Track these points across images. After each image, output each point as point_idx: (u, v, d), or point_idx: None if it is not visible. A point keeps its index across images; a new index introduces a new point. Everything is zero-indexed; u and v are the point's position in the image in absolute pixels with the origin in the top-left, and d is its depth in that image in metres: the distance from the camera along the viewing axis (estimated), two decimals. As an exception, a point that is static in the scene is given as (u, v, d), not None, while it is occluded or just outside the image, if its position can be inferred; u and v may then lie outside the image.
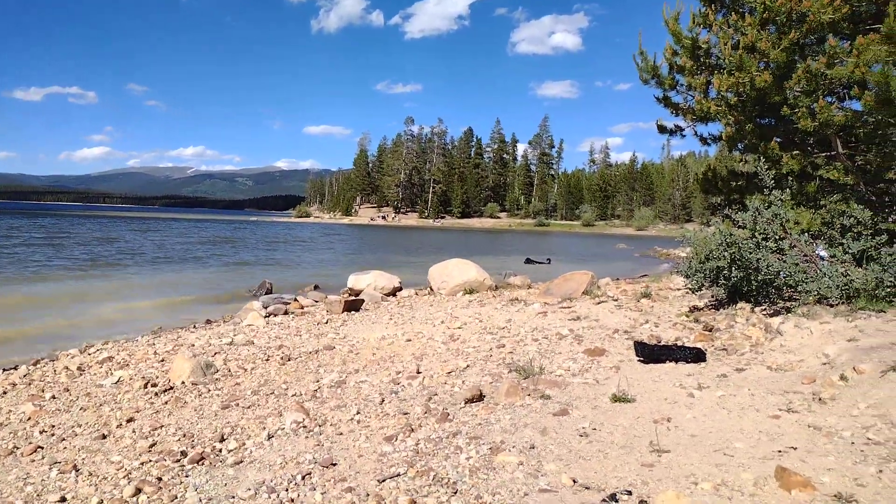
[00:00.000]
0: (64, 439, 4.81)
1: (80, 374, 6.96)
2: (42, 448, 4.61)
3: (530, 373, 6.04)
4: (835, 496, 3.11)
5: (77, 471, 4.10)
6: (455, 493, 3.52)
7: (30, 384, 6.58)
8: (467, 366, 6.74)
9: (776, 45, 7.76)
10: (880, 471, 3.35)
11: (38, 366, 7.47)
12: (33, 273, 17.94)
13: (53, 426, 5.12)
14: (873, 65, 7.00)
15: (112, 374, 6.84)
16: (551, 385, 5.69)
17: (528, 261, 26.55)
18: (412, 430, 4.69)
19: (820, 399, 4.68)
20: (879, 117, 7.29)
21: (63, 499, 3.70)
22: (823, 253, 7.77)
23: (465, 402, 5.30)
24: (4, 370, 7.38)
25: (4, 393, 6.26)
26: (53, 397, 6.01)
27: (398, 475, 3.81)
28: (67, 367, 7.19)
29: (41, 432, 4.97)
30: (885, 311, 6.46)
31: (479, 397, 5.41)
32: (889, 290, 6.80)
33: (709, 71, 9.31)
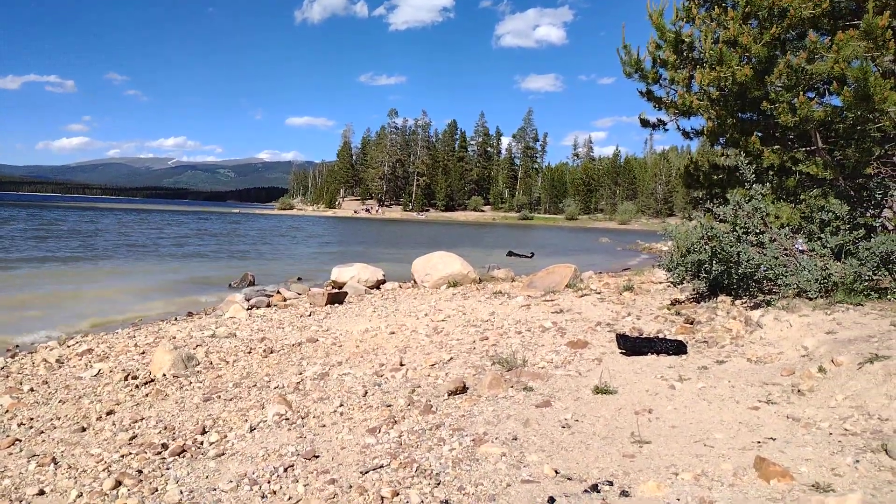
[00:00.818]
0: (42, 432, 4.75)
1: (59, 367, 6.88)
2: (20, 441, 4.55)
3: (513, 365, 6.06)
4: (812, 486, 3.15)
5: (56, 463, 4.06)
6: (438, 484, 3.53)
7: (7, 377, 6.49)
8: (451, 358, 6.75)
9: (757, 40, 7.81)
10: (857, 461, 3.40)
11: (16, 358, 7.36)
12: (6, 263, 17.68)
13: (32, 419, 5.06)
14: (852, 60, 7.07)
15: (92, 366, 6.77)
16: (534, 377, 5.71)
17: (511, 253, 26.59)
18: (395, 422, 4.70)
19: (799, 391, 4.75)
20: (858, 113, 7.37)
21: (41, 492, 3.66)
22: (803, 247, 7.87)
23: (449, 394, 5.31)
24: (-19, 363, 7.27)
25: (-19, 386, 6.17)
26: (32, 390, 5.93)
27: (381, 467, 3.81)
28: (46, 360, 7.10)
29: (19, 425, 4.91)
30: (862, 305, 6.55)
31: (463, 389, 5.42)
32: (866, 283, 6.91)
33: (691, 65, 9.35)
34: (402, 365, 6.51)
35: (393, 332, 8.21)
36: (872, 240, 7.08)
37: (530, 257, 25.91)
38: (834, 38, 7.16)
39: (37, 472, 3.95)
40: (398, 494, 3.42)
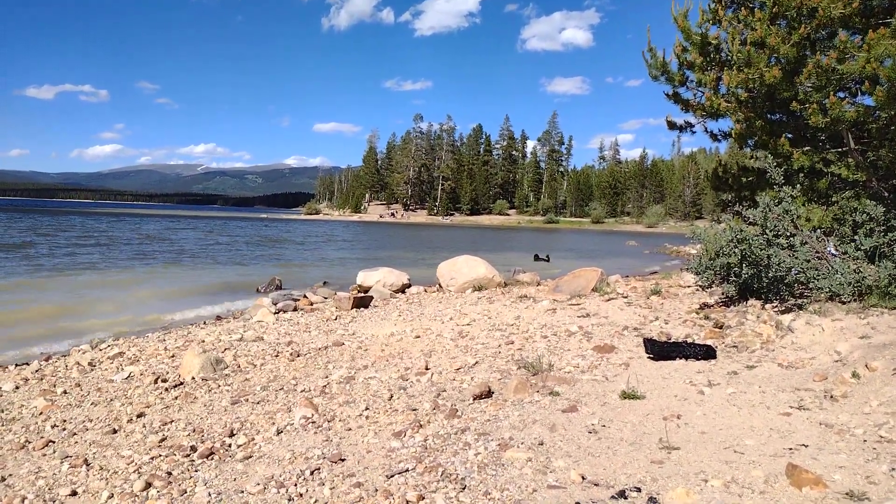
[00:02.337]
0: (75, 434, 4.84)
1: (91, 370, 7.01)
2: (53, 442, 4.65)
3: (539, 369, 6.03)
4: (846, 494, 3.08)
5: (88, 465, 4.13)
6: (463, 488, 3.52)
7: (41, 379, 6.63)
8: (476, 362, 6.74)
9: (786, 41, 7.69)
10: (893, 468, 3.32)
11: (50, 361, 7.53)
12: (39, 268, 18.08)
13: (65, 421, 5.16)
14: (885, 59, 6.92)
15: (123, 369, 6.89)
16: (560, 382, 5.68)
17: (537, 258, 26.51)
18: (421, 425, 4.70)
19: (832, 396, 4.65)
20: (891, 112, 7.21)
21: (74, 492, 3.73)
22: (835, 250, 7.71)
23: (474, 399, 5.30)
24: (17, 366, 7.45)
25: (17, 388, 6.31)
26: (65, 392, 6.05)
27: (406, 471, 3.81)
28: (79, 363, 7.24)
29: (53, 427, 5.01)
30: (897, 309, 6.41)
31: (488, 394, 5.40)
32: (902, 287, 6.75)
33: (718, 67, 9.24)
34: (427, 369, 6.52)
35: (418, 336, 8.22)
36: (908, 242, 6.92)
37: (547, 261, 25.76)
38: (865, 36, 7.02)
39: (69, 473, 4.02)
40: (423, 499, 3.42)
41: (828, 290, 7.09)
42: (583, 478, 3.55)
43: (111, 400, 5.76)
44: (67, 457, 4.30)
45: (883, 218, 7.51)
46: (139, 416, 5.23)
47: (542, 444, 4.13)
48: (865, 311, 6.45)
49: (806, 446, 3.79)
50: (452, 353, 7.29)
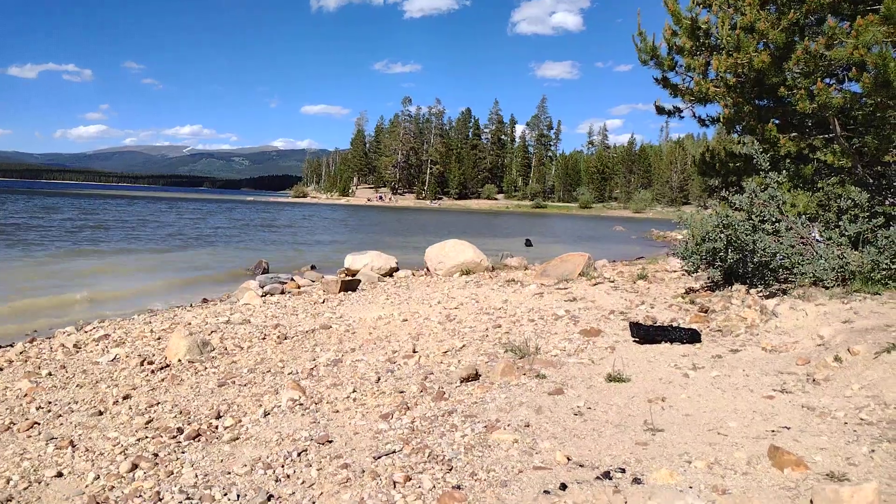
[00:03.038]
0: (60, 415, 4.82)
1: (77, 352, 6.96)
2: (39, 424, 4.62)
3: (526, 353, 6.06)
4: (827, 475, 3.14)
5: (74, 447, 4.11)
6: (450, 469, 3.54)
7: (26, 361, 6.57)
8: (463, 345, 6.76)
9: (775, 26, 7.70)
10: (872, 450, 3.38)
11: (35, 343, 7.46)
12: (25, 250, 17.90)
13: (50, 402, 5.13)
14: (872, 46, 6.95)
15: (108, 351, 6.84)
16: (547, 365, 5.71)
17: (529, 243, 26.54)
18: (408, 408, 4.72)
19: (814, 380, 4.72)
20: (878, 99, 7.25)
21: (60, 474, 3.71)
22: (819, 236, 7.78)
23: (461, 381, 5.32)
24: (1, 347, 7.38)
25: (1, 370, 6.26)
26: (50, 374, 6.01)
27: (394, 452, 3.84)
28: (64, 345, 7.19)
29: (38, 408, 4.97)
30: (880, 294, 6.48)
31: (475, 376, 5.43)
32: (885, 272, 6.82)
33: (708, 52, 9.24)
34: (414, 352, 6.53)
35: (406, 320, 8.23)
36: (891, 228, 6.99)
37: (530, 246, 25.77)
38: (854, 23, 7.04)
39: (55, 454, 4.00)
40: (410, 479, 3.44)
41: (812, 275, 7.16)
42: (568, 459, 3.58)
43: (97, 382, 5.73)
44: (53, 438, 4.28)
45: (867, 204, 7.58)
46: (125, 398, 5.20)
47: (528, 426, 4.16)
48: (848, 297, 6.53)
49: (788, 428, 3.85)
50: (440, 336, 7.31)
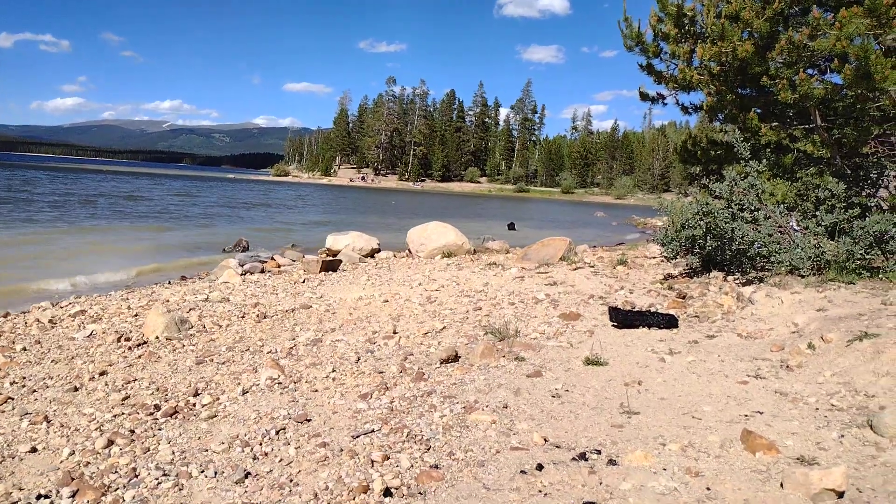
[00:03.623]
0: (35, 391, 4.76)
1: (52, 327, 6.87)
2: (12, 399, 4.56)
3: (506, 335, 6.09)
4: (798, 459, 3.21)
5: (48, 422, 4.07)
6: (428, 449, 3.57)
7: (0, 335, 6.48)
8: (444, 327, 6.78)
9: (760, 15, 7.72)
10: (842, 435, 3.45)
11: (9, 318, 7.35)
12: (5, 223, 17.59)
13: (24, 378, 5.07)
14: (855, 38, 7.00)
15: (85, 327, 6.77)
16: (526, 347, 5.75)
17: (512, 226, 26.51)
18: (387, 388, 4.73)
19: (787, 366, 4.80)
20: (858, 91, 7.32)
21: (34, 449, 3.68)
22: (797, 225, 7.88)
23: (441, 363, 5.35)
24: (-26, 322, 7.26)
25: (-26, 344, 6.17)
26: (24, 349, 5.93)
27: (372, 431, 3.85)
28: (39, 320, 7.09)
29: (11, 383, 4.91)
30: (854, 283, 6.60)
31: (455, 358, 5.45)
32: (859, 262, 6.94)
33: (693, 39, 9.24)
34: (395, 333, 6.54)
35: (387, 301, 8.22)
36: (867, 219, 7.10)
37: (514, 229, 25.78)
38: (837, 14, 7.08)
39: (29, 429, 3.96)
40: (388, 458, 3.46)
41: (788, 263, 7.26)
42: (545, 440, 3.62)
43: (72, 358, 5.67)
44: (27, 413, 4.24)
45: (844, 195, 7.68)
46: (101, 374, 5.16)
47: (506, 408, 4.20)
48: (823, 285, 6.63)
49: (761, 413, 3.92)
50: (420, 317, 7.33)
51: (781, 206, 8.14)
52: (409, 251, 14.09)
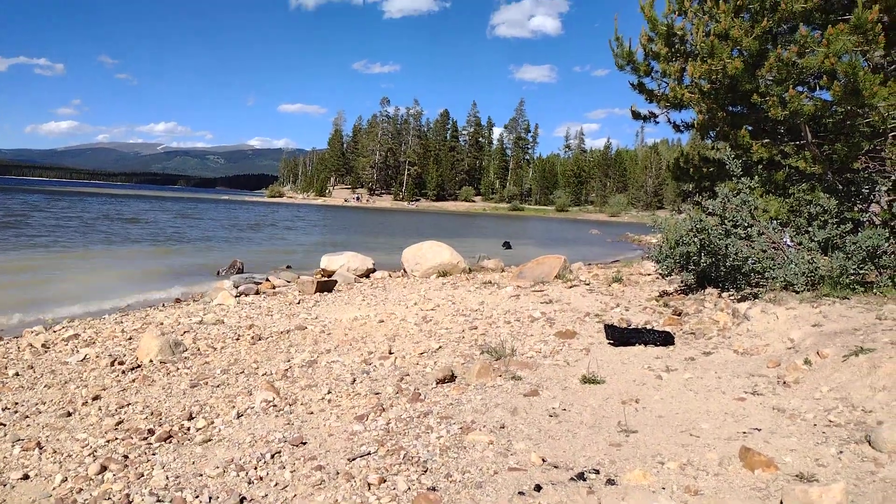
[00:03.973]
0: (27, 416, 4.71)
1: (45, 352, 6.82)
2: (4, 425, 4.51)
3: (502, 354, 6.07)
4: (797, 476, 3.19)
5: (41, 448, 4.03)
6: (425, 471, 3.54)
7: (-8, 361, 6.43)
8: (439, 347, 6.76)
9: (749, 33, 7.82)
10: (840, 451, 3.44)
11: (1, 343, 7.29)
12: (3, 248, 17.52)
13: (17, 403, 5.02)
14: (843, 55, 7.09)
15: (78, 351, 6.72)
16: (522, 366, 5.73)
17: (507, 245, 26.53)
18: (383, 409, 4.70)
19: (784, 382, 4.79)
20: (847, 107, 7.40)
21: (26, 476, 3.63)
22: (790, 241, 7.92)
23: (437, 383, 5.32)
24: (-34, 347, 7.20)
25: (-35, 370, 6.11)
26: (17, 374, 5.88)
27: (368, 454, 3.82)
28: (32, 344, 7.04)
29: (3, 409, 4.86)
30: (848, 298, 6.61)
31: (451, 378, 5.43)
32: (853, 277, 6.97)
33: (683, 58, 9.35)
34: (390, 353, 6.51)
35: (382, 321, 8.20)
36: (859, 234, 7.14)
37: (509, 248, 25.83)
38: (825, 32, 7.18)
39: (21, 456, 3.92)
40: (385, 481, 3.43)
41: (783, 279, 7.28)
42: (543, 460, 3.60)
43: (66, 382, 5.62)
44: (19, 440, 4.19)
45: (836, 210, 7.73)
46: (95, 398, 5.11)
47: (503, 428, 4.17)
48: (818, 301, 6.64)
49: (759, 430, 3.90)
50: (416, 337, 7.30)
51: (774, 222, 8.18)
52: (405, 271, 14.07)
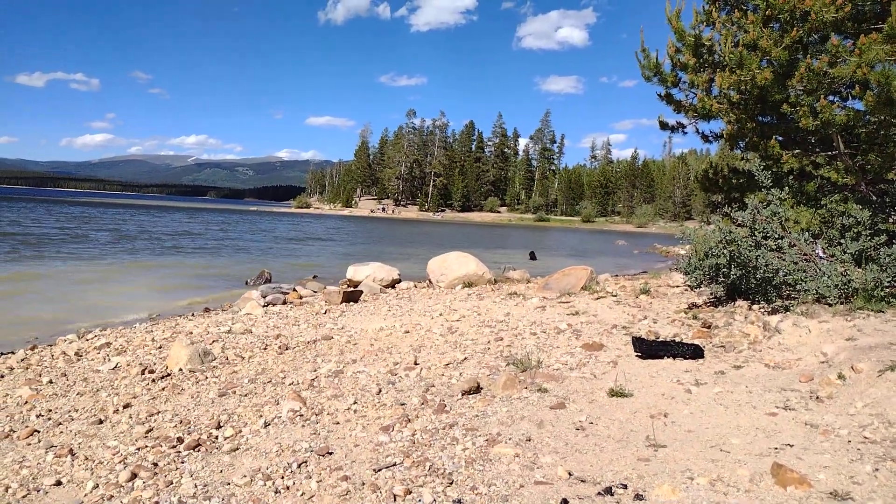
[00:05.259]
0: (60, 423, 4.81)
1: (78, 360, 6.96)
2: (38, 432, 4.61)
3: (528, 366, 6.04)
4: (830, 493, 3.11)
5: (73, 455, 4.10)
6: (451, 483, 3.52)
7: (27, 368, 6.58)
8: (465, 358, 6.74)
9: (778, 44, 7.73)
10: (876, 469, 3.35)
11: (36, 350, 7.46)
12: (28, 257, 17.93)
13: (50, 410, 5.12)
14: (875, 64, 6.97)
15: (109, 359, 6.84)
16: (549, 378, 5.69)
17: (533, 256, 26.41)
18: (409, 420, 4.70)
19: (817, 397, 4.69)
20: (881, 117, 7.27)
21: (59, 482, 3.70)
22: (822, 253, 7.77)
23: (463, 394, 5.30)
24: (2, 354, 7.38)
25: (2, 377, 6.26)
26: (51, 382, 6.01)
27: (394, 465, 3.82)
28: (65, 353, 7.19)
29: (38, 416, 4.97)
30: (883, 311, 6.46)
31: (477, 389, 5.41)
32: (887, 290, 6.81)
33: (711, 68, 9.27)
34: (416, 364, 6.52)
35: (407, 332, 8.21)
36: (894, 246, 6.99)
37: (533, 259, 25.71)
38: (857, 41, 7.07)
39: (54, 462, 3.99)
40: (410, 493, 3.42)
41: (815, 292, 7.14)
42: (570, 474, 3.56)
43: (97, 390, 5.73)
44: (52, 447, 4.27)
45: (869, 222, 7.57)
46: (125, 406, 5.20)
47: (529, 440, 4.14)
48: (852, 314, 6.50)
49: (791, 446, 3.82)
50: (441, 348, 7.30)
51: (806, 233, 8.04)
52: (430, 281, 14.09)
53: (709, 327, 7.64)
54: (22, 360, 6.93)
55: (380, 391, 5.52)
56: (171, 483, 3.67)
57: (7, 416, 5.02)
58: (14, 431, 4.63)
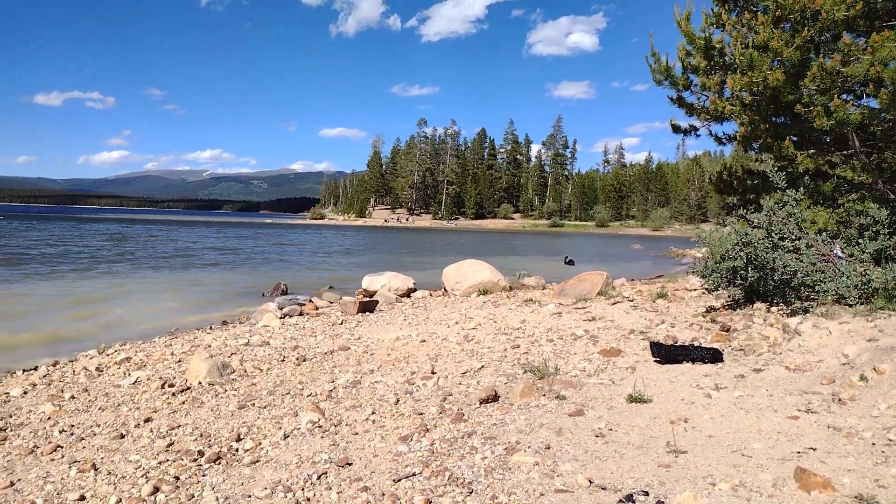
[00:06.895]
0: (83, 439, 4.86)
1: (99, 375, 7.03)
2: (61, 447, 4.67)
3: (545, 373, 6.02)
4: (855, 497, 3.08)
5: (96, 470, 4.15)
6: (471, 493, 3.52)
7: (49, 384, 6.66)
8: (482, 366, 6.73)
9: (789, 44, 7.68)
10: (901, 472, 3.31)
11: (58, 367, 7.55)
12: (47, 272, 18.15)
13: (73, 426, 5.18)
14: (889, 62, 6.91)
15: (130, 374, 6.91)
16: (566, 385, 5.67)
17: (569, 261, 26.17)
18: (427, 430, 4.70)
19: (839, 400, 4.64)
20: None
21: (82, 497, 3.74)
22: (841, 253, 7.69)
23: (480, 403, 5.30)
24: (24, 371, 7.48)
25: (25, 393, 6.34)
26: (72, 397, 6.08)
27: (413, 475, 3.82)
28: (86, 368, 7.27)
29: (60, 432, 5.03)
30: (904, 311, 6.38)
31: (494, 397, 5.40)
32: (908, 289, 6.72)
33: (722, 70, 9.23)
34: (433, 373, 6.52)
35: (424, 341, 8.22)
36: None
37: (567, 264, 25.58)
38: (869, 39, 7.01)
39: (78, 477, 4.04)
40: (430, 502, 3.42)
41: (834, 292, 7.07)
42: (590, 482, 3.55)
43: (118, 405, 5.78)
44: (75, 461, 4.32)
45: (887, 220, 7.49)
46: (146, 420, 5.25)
47: (548, 448, 4.13)
48: (872, 314, 6.43)
49: (814, 450, 3.78)
50: (458, 357, 7.29)
51: (823, 233, 7.96)
52: (445, 289, 14.10)
53: (727, 330, 7.58)
54: (44, 377, 7.01)
55: (397, 401, 5.53)
56: (193, 496, 3.70)
57: (31, 431, 5.09)
58: (38, 447, 4.69)
